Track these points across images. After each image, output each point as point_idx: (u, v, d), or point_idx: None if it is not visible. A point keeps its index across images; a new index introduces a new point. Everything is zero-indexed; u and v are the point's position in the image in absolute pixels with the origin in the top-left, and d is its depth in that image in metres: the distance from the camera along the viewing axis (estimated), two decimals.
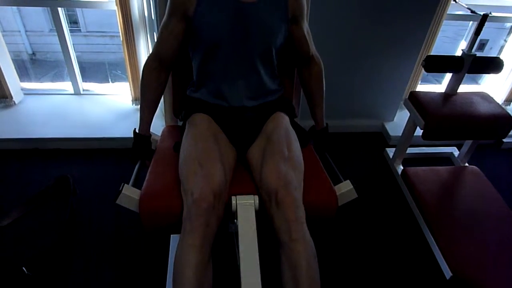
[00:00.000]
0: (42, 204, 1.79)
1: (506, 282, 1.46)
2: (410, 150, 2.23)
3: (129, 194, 1.10)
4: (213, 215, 1.01)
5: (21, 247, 1.59)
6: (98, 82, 2.59)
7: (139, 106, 1.33)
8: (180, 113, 1.38)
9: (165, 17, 1.18)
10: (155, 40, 1.24)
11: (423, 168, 2.02)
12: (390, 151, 2.27)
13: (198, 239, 0.98)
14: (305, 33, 1.26)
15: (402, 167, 2.13)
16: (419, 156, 2.34)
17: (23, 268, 1.49)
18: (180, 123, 1.36)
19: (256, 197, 1.06)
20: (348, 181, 1.21)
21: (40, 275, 1.50)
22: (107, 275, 1.52)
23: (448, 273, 1.55)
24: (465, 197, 1.87)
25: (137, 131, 1.32)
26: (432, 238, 1.70)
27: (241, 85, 1.24)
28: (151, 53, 1.25)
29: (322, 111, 1.40)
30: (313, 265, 1.02)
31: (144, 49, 2.19)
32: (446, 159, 2.36)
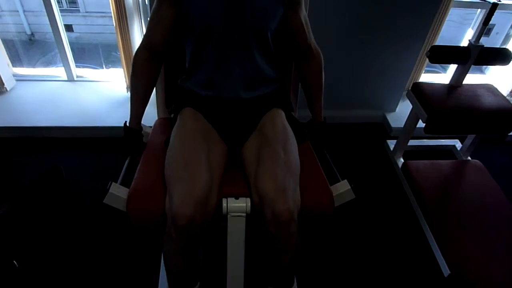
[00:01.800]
0: (34, 195, 1.75)
1: (505, 281, 1.43)
2: (412, 142, 2.18)
3: (117, 193, 1.05)
4: (194, 224, 0.96)
5: (12, 240, 1.56)
6: (98, 64, 2.52)
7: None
8: (172, 102, 1.32)
9: (155, 3, 1.12)
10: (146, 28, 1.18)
11: (424, 161, 1.97)
12: (391, 143, 2.22)
13: (181, 246, 0.98)
14: (303, 21, 1.20)
15: (402, 160, 2.08)
16: (421, 148, 2.29)
17: (14, 261, 1.47)
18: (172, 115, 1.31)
19: (248, 200, 1.01)
20: (345, 181, 1.16)
21: (31, 268, 1.47)
22: (100, 269, 1.49)
23: (446, 271, 1.53)
24: (467, 192, 1.82)
25: (127, 124, 1.27)
26: (431, 234, 1.67)
27: (235, 73, 1.17)
28: (141, 42, 1.19)
29: (321, 105, 1.34)
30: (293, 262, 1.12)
31: (138, 34, 2.12)
32: (448, 151, 2.31)
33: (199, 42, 1.13)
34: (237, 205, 1.00)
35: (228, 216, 1.00)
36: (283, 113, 1.24)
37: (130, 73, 1.24)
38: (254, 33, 1.12)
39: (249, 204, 1.00)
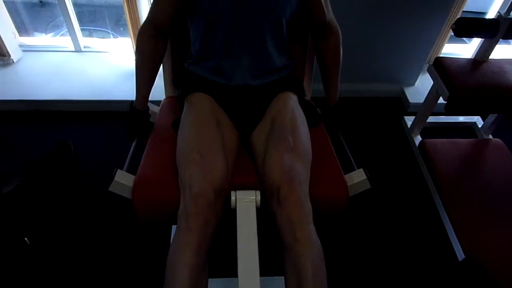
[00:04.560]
0: (44, 171, 1.74)
1: None
2: (430, 118, 2.08)
3: (122, 181, 1.01)
4: (212, 213, 0.92)
5: (23, 216, 1.57)
6: (109, 28, 2.43)
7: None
8: (180, 84, 1.26)
9: None
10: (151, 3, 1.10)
11: (442, 140, 1.89)
12: (409, 120, 2.13)
13: (195, 239, 0.89)
14: None
15: (420, 138, 2.01)
16: (439, 125, 2.20)
17: (25, 238, 1.48)
18: None
19: (258, 193, 0.97)
20: (361, 170, 1.09)
21: (42, 245, 1.48)
22: (109, 246, 1.50)
23: (460, 255, 1.49)
24: (486, 173, 1.75)
25: (134, 104, 1.22)
26: (446, 216, 1.62)
27: (245, 61, 1.10)
28: (146, 19, 1.11)
29: (337, 86, 1.27)
30: (320, 270, 0.92)
31: (146, 2, 2.02)
32: (469, 129, 2.21)
33: (208, 27, 1.06)
34: (246, 198, 0.95)
35: (237, 209, 0.95)
36: (294, 97, 1.17)
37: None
38: (267, 20, 1.04)
39: (259, 197, 0.96)
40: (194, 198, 0.90)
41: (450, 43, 2.50)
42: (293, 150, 0.98)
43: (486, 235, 1.47)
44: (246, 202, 0.95)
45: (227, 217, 0.98)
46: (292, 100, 1.15)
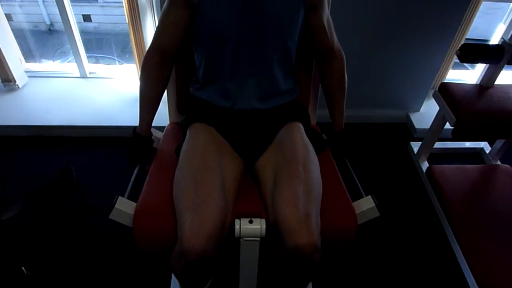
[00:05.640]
0: (44, 198, 1.72)
1: None
2: (436, 144, 2.06)
3: (123, 209, 0.98)
4: (206, 257, 0.88)
5: (21, 244, 1.53)
6: (112, 55, 2.47)
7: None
8: (183, 111, 1.25)
9: (165, 3, 1.04)
10: (155, 29, 1.10)
11: (450, 166, 1.86)
12: (415, 145, 2.11)
13: (192, 273, 0.92)
14: (325, 23, 1.10)
15: (427, 164, 1.97)
16: (446, 151, 2.17)
17: (22, 267, 1.43)
18: None
19: (263, 221, 0.93)
20: (369, 197, 1.06)
21: (39, 275, 1.44)
22: (109, 276, 1.45)
23: (473, 284, 1.43)
24: (496, 200, 1.70)
25: (137, 130, 1.20)
26: (457, 244, 1.56)
27: (251, 84, 1.09)
28: (151, 44, 1.11)
29: (342, 112, 1.25)
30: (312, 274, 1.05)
31: (151, 29, 2.05)
32: (476, 155, 2.18)
33: (213, 50, 1.05)
34: (251, 228, 0.92)
35: (241, 240, 0.92)
36: (302, 127, 1.15)
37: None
38: (274, 42, 1.04)
39: (264, 226, 0.92)
40: (185, 247, 0.86)
41: (453, 69, 2.51)
42: (306, 187, 0.95)
43: (500, 264, 1.42)
44: (250, 232, 0.91)
45: (231, 244, 0.95)
46: (301, 131, 1.13)
